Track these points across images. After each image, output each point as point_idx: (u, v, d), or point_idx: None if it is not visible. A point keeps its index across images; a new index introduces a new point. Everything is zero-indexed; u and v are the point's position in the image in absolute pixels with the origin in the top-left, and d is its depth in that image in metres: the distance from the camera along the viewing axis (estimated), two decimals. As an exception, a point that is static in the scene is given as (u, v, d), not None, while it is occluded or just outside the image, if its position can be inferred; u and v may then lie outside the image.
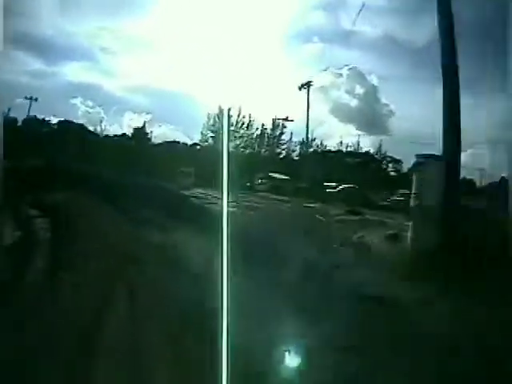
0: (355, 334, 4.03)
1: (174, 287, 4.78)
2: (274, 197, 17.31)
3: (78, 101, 37.42)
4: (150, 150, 27.85)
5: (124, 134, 31.74)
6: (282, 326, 3.98)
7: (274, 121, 29.64)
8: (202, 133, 29.77)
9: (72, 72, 40.30)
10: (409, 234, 8.04)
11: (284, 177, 23.24)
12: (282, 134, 29.96)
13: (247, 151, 27.63)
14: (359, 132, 47.74)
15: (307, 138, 25.20)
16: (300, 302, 4.73)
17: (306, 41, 53.33)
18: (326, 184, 20.63)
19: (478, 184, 27.14)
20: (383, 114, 39.73)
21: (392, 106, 39.94)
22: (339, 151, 32.15)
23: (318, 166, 23.26)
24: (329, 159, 29.02)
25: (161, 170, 19.24)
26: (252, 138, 28.90)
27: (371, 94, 39.34)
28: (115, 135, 31.91)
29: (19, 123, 27.18)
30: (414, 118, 38.91)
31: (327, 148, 35.75)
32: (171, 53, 44.52)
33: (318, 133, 42.80)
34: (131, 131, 34.56)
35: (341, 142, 37.94)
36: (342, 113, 42.01)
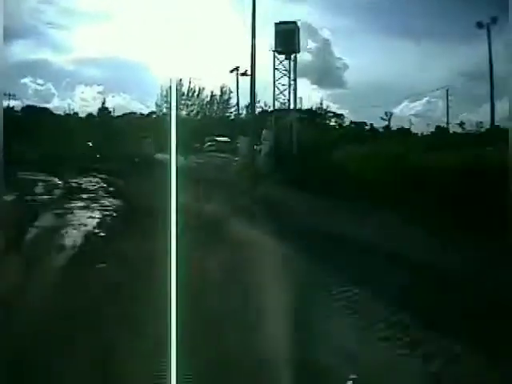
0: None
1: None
2: (218, 155, 22.70)
3: (27, 80, 37.29)
4: (113, 122, 31.55)
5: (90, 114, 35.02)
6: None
7: (221, 87, 33.46)
8: (156, 104, 33.33)
9: (19, 50, 41.40)
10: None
11: (225, 139, 27.50)
12: (229, 98, 33.97)
13: (199, 117, 31.85)
14: (313, 86, 50.79)
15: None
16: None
17: None
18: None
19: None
20: (337, 67, 43.70)
21: (346, 59, 45.14)
22: (282, 109, 37.00)
23: (250, 126, 27.75)
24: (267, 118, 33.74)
25: (127, 141, 24.04)
26: (203, 105, 32.98)
27: (324, 48, 42.89)
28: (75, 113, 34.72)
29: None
30: (367, 69, 44.50)
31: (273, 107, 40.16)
32: (119, 23, 42.85)
33: (271, 89, 46.49)
34: (86, 105, 36.82)
35: (288, 100, 41.76)
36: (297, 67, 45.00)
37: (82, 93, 37.72)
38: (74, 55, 46.54)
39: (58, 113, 34.29)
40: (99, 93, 37.90)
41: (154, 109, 41.37)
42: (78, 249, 8.27)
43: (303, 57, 42.55)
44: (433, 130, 32.10)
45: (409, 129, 32.04)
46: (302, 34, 40.09)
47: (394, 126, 33.47)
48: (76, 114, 34.48)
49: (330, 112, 43.41)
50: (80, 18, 42.75)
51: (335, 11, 46.68)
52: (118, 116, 35.86)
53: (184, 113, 30.84)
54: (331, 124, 42.55)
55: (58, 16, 43.96)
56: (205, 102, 34.89)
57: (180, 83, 33.57)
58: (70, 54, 48.57)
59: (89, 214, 12.06)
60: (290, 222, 10.24)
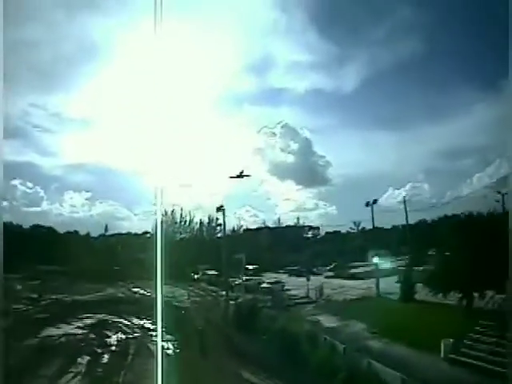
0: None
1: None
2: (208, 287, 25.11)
3: (17, 182, 36.33)
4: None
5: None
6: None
7: (209, 216, 37.55)
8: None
9: (6, 151, 39.56)
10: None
11: (214, 272, 28.27)
12: (218, 225, 37.78)
13: (190, 242, 35.23)
14: (299, 187, 46.90)
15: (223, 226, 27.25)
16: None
17: (238, 105, 52.19)
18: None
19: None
20: (320, 165, 41.76)
21: (328, 157, 41.05)
22: (259, 228, 40.40)
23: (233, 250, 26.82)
24: (245, 240, 35.29)
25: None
26: (193, 231, 36.99)
27: (305, 147, 41.65)
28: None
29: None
30: (349, 164, 39.96)
31: (249, 227, 40.14)
32: (107, 129, 45.18)
33: (260, 191, 43.96)
34: (75, 211, 35.92)
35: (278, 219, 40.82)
36: (280, 170, 43.34)
37: (71, 198, 38.54)
38: (61, 160, 48.24)
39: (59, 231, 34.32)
40: (87, 199, 38.94)
41: (141, 216, 39.69)
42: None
43: (287, 159, 42.62)
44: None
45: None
46: (284, 136, 40.22)
47: (379, 217, 28.14)
48: (76, 232, 35.18)
49: (307, 226, 45.66)
50: (68, 124, 41.65)
51: (312, 111, 48.71)
52: (113, 235, 36.43)
53: (177, 238, 34.83)
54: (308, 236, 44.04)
55: (47, 120, 42.98)
56: (195, 229, 39.15)
57: (173, 212, 37.17)
58: (58, 158, 47.91)
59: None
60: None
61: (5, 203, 33.30)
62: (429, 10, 34.42)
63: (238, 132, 48.98)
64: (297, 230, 44.13)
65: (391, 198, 35.56)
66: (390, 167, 36.26)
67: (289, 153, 42.81)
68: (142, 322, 16.68)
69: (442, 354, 10.59)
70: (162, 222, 32.87)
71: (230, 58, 41.78)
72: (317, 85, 45.46)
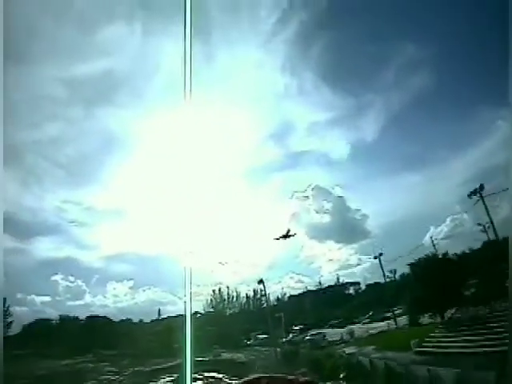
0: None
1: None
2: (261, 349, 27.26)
3: (58, 277, 38.85)
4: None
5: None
6: None
7: (254, 290, 40.95)
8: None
9: (45, 247, 42.89)
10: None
11: (264, 336, 30.49)
12: (262, 296, 41.52)
13: (240, 315, 38.66)
14: (339, 245, 48.76)
15: (265, 295, 30.86)
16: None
17: (266, 175, 57.62)
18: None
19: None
20: (357, 219, 42.67)
21: (363, 210, 43.91)
22: (302, 293, 42.86)
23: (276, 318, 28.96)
24: (288, 305, 38.27)
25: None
26: (241, 305, 40.65)
27: (339, 204, 42.51)
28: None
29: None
30: (385, 212, 42.78)
31: (292, 293, 43.13)
32: (139, 218, 48.23)
33: (302, 256, 45.75)
34: (119, 300, 37.32)
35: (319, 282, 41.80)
36: (318, 232, 43.89)
37: (114, 289, 41.34)
38: (99, 252, 56.18)
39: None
40: (130, 288, 41.57)
41: (186, 298, 43.44)
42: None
43: (323, 219, 44.99)
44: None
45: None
46: (316, 197, 42.60)
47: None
48: (129, 319, 35.45)
49: (346, 283, 46.14)
50: (101, 216, 46.59)
51: (339, 168, 52.61)
52: (164, 318, 37.32)
53: (228, 312, 38.57)
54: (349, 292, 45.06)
55: (80, 214, 47.15)
56: (243, 303, 42.65)
57: (220, 290, 39.73)
58: (96, 251, 55.76)
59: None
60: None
61: (47, 298, 38.87)
62: (432, 42, 37.14)
63: (270, 201, 53.71)
64: (338, 288, 46.02)
65: (434, 235, 33.10)
66: (426, 206, 35.74)
67: (324, 213, 43.56)
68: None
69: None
70: (210, 300, 35.55)
71: (249, 130, 47.93)
72: (339, 141, 50.88)
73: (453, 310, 18.16)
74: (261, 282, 28.90)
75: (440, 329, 16.53)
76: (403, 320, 23.37)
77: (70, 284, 39.63)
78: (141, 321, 37.53)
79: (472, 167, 35.77)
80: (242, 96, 47.23)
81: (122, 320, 35.60)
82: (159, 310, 39.37)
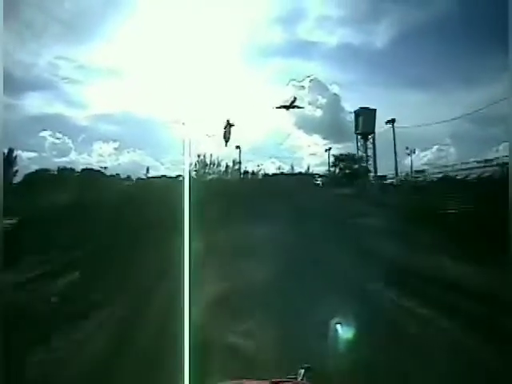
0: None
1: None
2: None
3: (46, 133, 37.10)
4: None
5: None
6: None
7: (233, 161, 42.58)
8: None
9: (36, 104, 38.49)
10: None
11: None
12: (239, 166, 43.57)
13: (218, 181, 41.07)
14: (325, 141, 44.81)
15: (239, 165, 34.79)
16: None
17: (267, 56, 49.37)
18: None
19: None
20: (348, 121, 40.41)
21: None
22: (275, 174, 45.59)
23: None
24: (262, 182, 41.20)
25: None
26: (220, 173, 42.70)
27: (334, 102, 40.53)
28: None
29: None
30: (376, 122, 36.60)
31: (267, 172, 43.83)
32: (134, 79, 43.47)
33: (286, 145, 44.28)
34: (103, 160, 36.55)
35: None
36: (308, 124, 42.16)
37: (100, 148, 39.08)
38: (89, 110, 47.28)
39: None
40: (115, 149, 39.34)
41: (168, 165, 40.20)
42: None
43: (315, 113, 41.77)
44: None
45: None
46: (313, 91, 38.56)
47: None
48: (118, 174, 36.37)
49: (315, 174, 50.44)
50: (95, 74, 40.93)
51: (342, 66, 46.92)
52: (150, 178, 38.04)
53: (207, 178, 40.70)
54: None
55: (74, 71, 40.09)
56: (221, 172, 44.92)
57: (204, 157, 39.68)
58: (86, 109, 47.48)
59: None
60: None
61: (33, 154, 36.87)
62: None
63: (265, 84, 47.55)
64: (308, 176, 49.56)
65: (417, 159, 34.97)
66: (418, 128, 33.19)
67: (317, 107, 41.60)
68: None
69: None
70: (195, 164, 36.96)
71: (260, 8, 40.52)
72: (347, 40, 42.91)
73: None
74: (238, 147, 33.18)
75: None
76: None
77: (57, 141, 37.85)
78: (128, 177, 39.05)
79: (471, 108, 33.50)
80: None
81: (112, 175, 36.97)
82: (147, 168, 39.30)
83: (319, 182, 47.44)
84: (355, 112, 36.66)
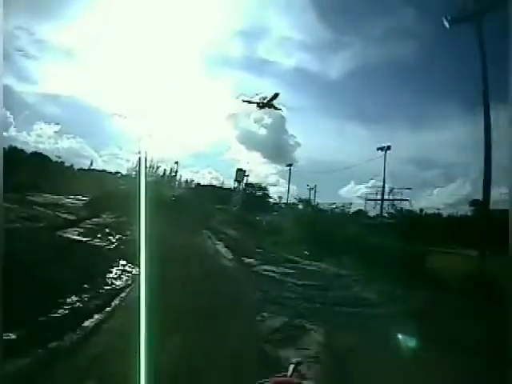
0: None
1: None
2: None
3: None
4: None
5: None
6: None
7: (171, 168, 45.63)
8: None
9: None
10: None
11: None
12: (176, 173, 43.95)
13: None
14: (264, 160, 47.24)
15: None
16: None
17: (223, 67, 52.60)
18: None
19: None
20: (289, 144, 40.47)
21: (299, 138, 39.55)
22: (206, 185, 45.79)
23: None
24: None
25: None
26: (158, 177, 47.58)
27: (279, 124, 39.82)
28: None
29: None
30: (319, 149, 38.50)
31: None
32: (88, 66, 43.61)
33: (225, 157, 46.05)
34: (41, 141, 36.00)
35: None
36: (250, 140, 42.84)
37: (41, 129, 37.75)
38: (38, 88, 48.04)
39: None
40: (56, 132, 38.30)
41: (105, 158, 41.92)
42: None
43: (259, 131, 41.43)
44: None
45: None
46: (261, 108, 35.82)
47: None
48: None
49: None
50: (51, 52, 38.84)
51: (294, 90, 47.45)
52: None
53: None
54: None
55: (30, 45, 38.79)
56: (159, 176, 50.17)
57: (139, 160, 36.89)
58: (35, 86, 47.55)
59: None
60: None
61: None
62: (431, 18, 31.31)
63: (216, 94, 50.53)
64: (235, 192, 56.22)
65: (352, 192, 34.46)
66: (358, 161, 32.63)
67: (262, 126, 42.38)
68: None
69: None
70: (132, 163, 40.59)
71: (225, 20, 42.84)
72: (304, 65, 47.31)
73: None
74: (176, 163, 36.79)
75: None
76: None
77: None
78: (71, 165, 38.68)
79: (415, 150, 34.96)
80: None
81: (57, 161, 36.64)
82: (92, 162, 39.96)
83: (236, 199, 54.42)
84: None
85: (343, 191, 35.21)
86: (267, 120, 41.06)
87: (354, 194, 32.99)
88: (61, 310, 6.01)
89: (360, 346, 5.92)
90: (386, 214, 28.70)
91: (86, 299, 6.70)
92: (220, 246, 16.69)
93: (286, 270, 12.33)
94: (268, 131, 41.56)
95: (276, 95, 31.00)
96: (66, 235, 11.93)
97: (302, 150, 39.12)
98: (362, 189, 31.49)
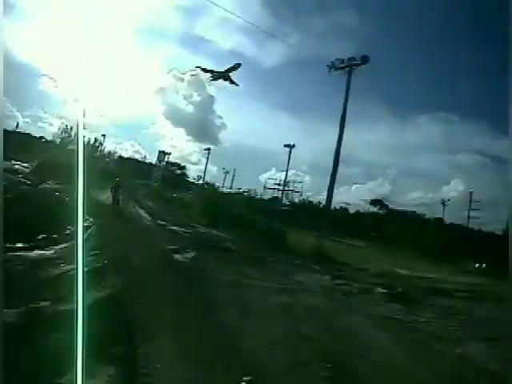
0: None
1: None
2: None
3: None
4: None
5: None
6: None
7: (95, 138, 50.02)
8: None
9: None
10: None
11: None
12: (100, 145, 47.54)
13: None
14: (188, 138, 52.21)
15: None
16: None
17: (158, 40, 53.46)
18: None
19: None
20: (215, 124, 43.55)
21: (225, 119, 43.91)
22: (131, 159, 51.97)
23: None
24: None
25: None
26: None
27: (207, 103, 41.97)
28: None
29: None
30: (244, 133, 41.59)
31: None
32: (26, 20, 45.84)
33: (150, 131, 51.95)
34: None
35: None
36: (176, 116, 44.09)
37: None
38: None
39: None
40: None
41: (27, 119, 45.99)
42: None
43: (186, 108, 45.45)
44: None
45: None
46: (191, 86, 40.65)
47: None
48: None
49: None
50: None
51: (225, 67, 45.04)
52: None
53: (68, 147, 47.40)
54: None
55: None
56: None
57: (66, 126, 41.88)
58: None
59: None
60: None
61: None
62: (375, 18, 38.00)
63: (148, 66, 52.65)
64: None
65: (271, 178, 36.80)
66: (282, 149, 33.75)
67: (190, 103, 43.69)
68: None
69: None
70: (62, 130, 43.14)
71: None
72: (241, 48, 52.81)
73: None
74: (103, 135, 39.70)
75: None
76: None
77: None
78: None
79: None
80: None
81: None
82: (17, 124, 41.75)
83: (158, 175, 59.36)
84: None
85: (263, 177, 39.72)
86: (196, 98, 43.17)
87: (273, 180, 35.69)
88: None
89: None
90: (288, 203, 34.33)
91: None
92: (142, 212, 23.43)
93: (187, 230, 19.78)
94: (195, 109, 43.46)
95: (238, 65, 28.70)
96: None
97: (227, 132, 42.73)
98: (282, 177, 34.11)
